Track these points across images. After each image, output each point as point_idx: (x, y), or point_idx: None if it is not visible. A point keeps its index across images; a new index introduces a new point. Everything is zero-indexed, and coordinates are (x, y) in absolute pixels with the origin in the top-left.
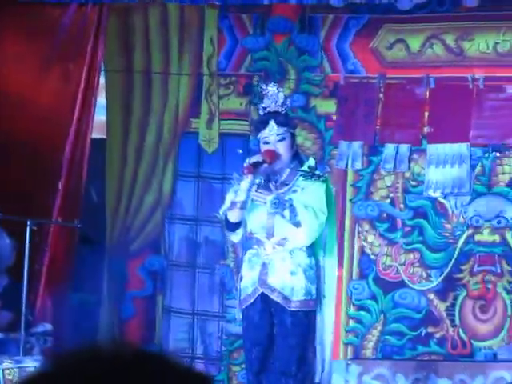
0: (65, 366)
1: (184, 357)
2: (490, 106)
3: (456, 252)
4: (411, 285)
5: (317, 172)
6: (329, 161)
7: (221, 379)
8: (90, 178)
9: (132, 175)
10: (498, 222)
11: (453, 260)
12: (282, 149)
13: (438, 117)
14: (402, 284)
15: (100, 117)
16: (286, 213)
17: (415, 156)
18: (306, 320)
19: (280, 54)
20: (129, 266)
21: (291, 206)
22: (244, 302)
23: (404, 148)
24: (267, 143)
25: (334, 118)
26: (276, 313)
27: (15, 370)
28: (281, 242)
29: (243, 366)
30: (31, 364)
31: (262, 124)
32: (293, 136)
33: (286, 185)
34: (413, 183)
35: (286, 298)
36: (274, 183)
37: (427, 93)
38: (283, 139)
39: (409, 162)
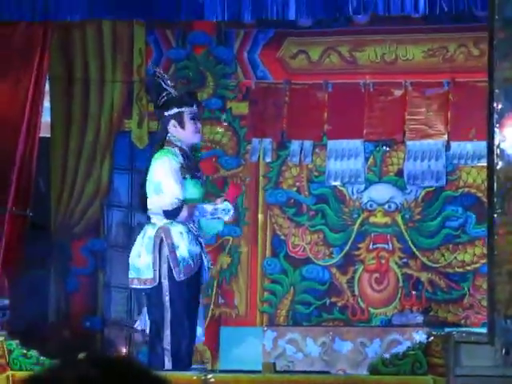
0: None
1: (124, 325)
2: (379, 107)
3: (354, 232)
4: (316, 261)
5: None
6: (243, 155)
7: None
8: (38, 171)
9: (74, 168)
10: (389, 207)
11: (351, 239)
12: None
13: (336, 117)
14: (308, 260)
15: (46, 118)
16: None
17: (317, 150)
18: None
19: (200, 64)
20: (73, 247)
21: None
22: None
23: (308, 144)
24: (193, 119)
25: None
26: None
27: None
28: None
29: None
30: None
31: (184, 103)
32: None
33: None
34: (316, 174)
35: None
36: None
37: (326, 96)
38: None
39: (312, 156)
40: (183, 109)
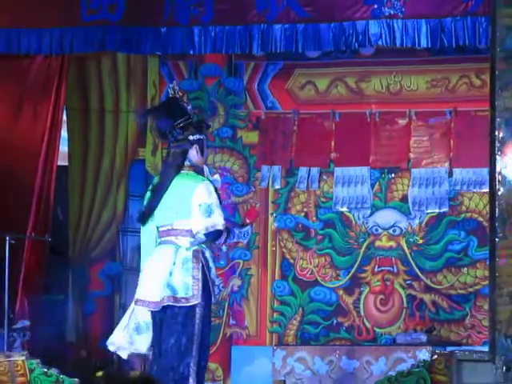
0: None
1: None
2: (384, 135)
3: (360, 256)
4: (324, 283)
5: None
6: (253, 182)
7: None
8: (57, 199)
9: (91, 196)
10: (394, 231)
11: (357, 262)
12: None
13: (343, 145)
14: (316, 282)
15: (63, 147)
16: None
17: (324, 177)
18: None
19: (211, 94)
20: (90, 270)
21: None
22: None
23: (315, 170)
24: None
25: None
26: None
27: (6, 363)
28: None
29: None
30: (19, 358)
31: (198, 130)
32: None
33: None
34: (323, 199)
35: None
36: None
37: (333, 125)
38: None
39: (319, 182)
40: (203, 136)
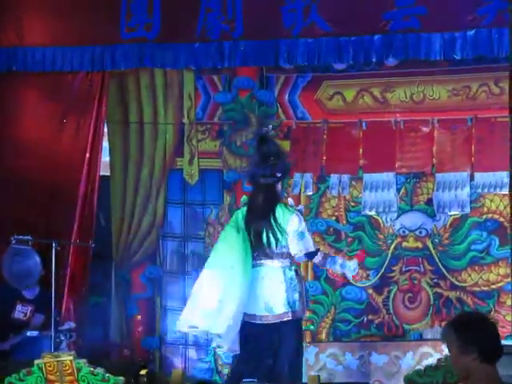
0: None
1: (179, 344)
2: (409, 142)
3: (388, 256)
4: (354, 283)
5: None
6: (286, 188)
7: (208, 360)
8: (99, 207)
9: (132, 203)
10: (420, 232)
11: (386, 262)
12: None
13: (370, 152)
14: (347, 282)
15: (105, 158)
16: None
17: (354, 183)
18: None
19: (244, 106)
20: (132, 274)
21: None
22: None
23: (345, 177)
24: None
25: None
26: None
27: (55, 363)
28: None
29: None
30: (67, 358)
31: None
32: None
33: None
34: (352, 204)
35: None
36: None
37: (361, 134)
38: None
39: (349, 188)
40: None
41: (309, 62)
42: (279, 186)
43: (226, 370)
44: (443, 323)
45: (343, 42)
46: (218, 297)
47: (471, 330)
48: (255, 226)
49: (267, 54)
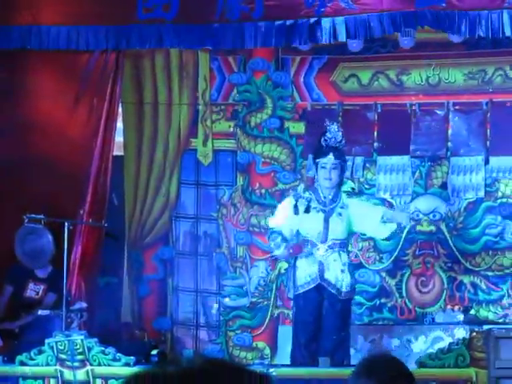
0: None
1: (191, 325)
2: (424, 126)
3: (402, 240)
4: (368, 266)
5: (355, 190)
6: (300, 170)
7: (220, 342)
8: (112, 187)
9: (145, 184)
10: (434, 216)
11: (399, 246)
12: (334, 175)
13: (385, 135)
14: (360, 265)
15: (119, 138)
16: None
17: (368, 165)
18: (349, 306)
19: (259, 87)
20: (144, 255)
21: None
22: (299, 288)
23: (359, 159)
24: (324, 168)
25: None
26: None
27: (66, 342)
28: (331, 245)
29: (237, 331)
30: (78, 337)
31: (322, 154)
32: (342, 167)
33: (334, 201)
34: (366, 187)
35: (338, 289)
36: (322, 199)
37: (376, 116)
38: (336, 168)
39: (363, 170)
40: None
41: (330, 42)
42: None
43: (236, 352)
44: (456, 307)
45: (372, 17)
46: None
47: (375, 374)
48: None
49: (287, 35)
